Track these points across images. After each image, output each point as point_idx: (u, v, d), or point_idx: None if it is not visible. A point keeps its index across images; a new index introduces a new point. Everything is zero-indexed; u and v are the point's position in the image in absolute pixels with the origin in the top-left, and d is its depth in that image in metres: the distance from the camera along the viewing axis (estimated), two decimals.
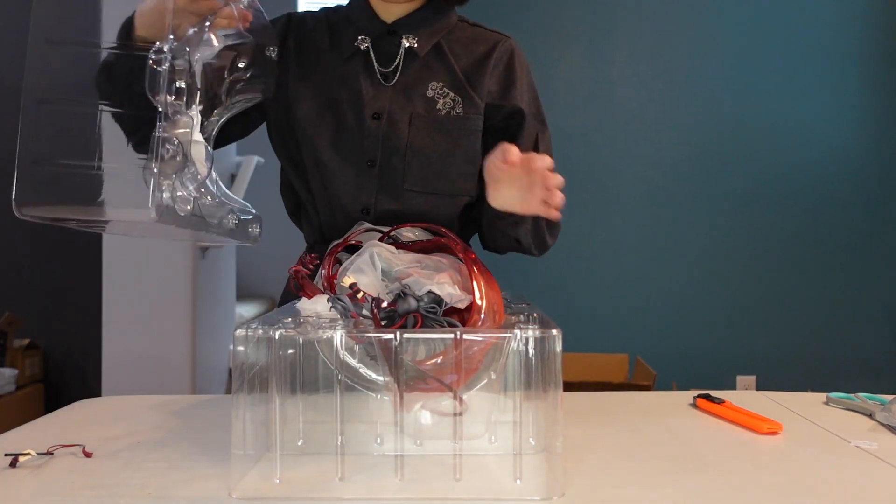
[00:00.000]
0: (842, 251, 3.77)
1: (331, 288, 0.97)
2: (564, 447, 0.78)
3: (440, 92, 1.24)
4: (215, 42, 0.84)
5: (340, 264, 1.01)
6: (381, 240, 1.06)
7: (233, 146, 3.33)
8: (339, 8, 1.33)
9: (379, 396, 0.86)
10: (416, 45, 1.24)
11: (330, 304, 0.87)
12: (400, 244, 1.06)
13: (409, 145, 1.22)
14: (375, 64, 1.25)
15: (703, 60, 3.76)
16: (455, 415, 0.81)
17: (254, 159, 3.37)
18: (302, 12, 1.33)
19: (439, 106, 1.23)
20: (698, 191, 3.76)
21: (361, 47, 1.25)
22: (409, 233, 1.09)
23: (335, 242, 1.07)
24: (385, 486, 0.79)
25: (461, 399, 0.82)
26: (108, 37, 2.86)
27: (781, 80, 3.75)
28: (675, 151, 3.76)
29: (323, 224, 1.26)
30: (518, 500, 0.77)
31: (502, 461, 0.82)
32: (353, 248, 1.05)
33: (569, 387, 1.31)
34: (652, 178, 3.74)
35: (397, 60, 1.25)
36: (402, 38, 1.25)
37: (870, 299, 3.78)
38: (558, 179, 0.91)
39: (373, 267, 0.95)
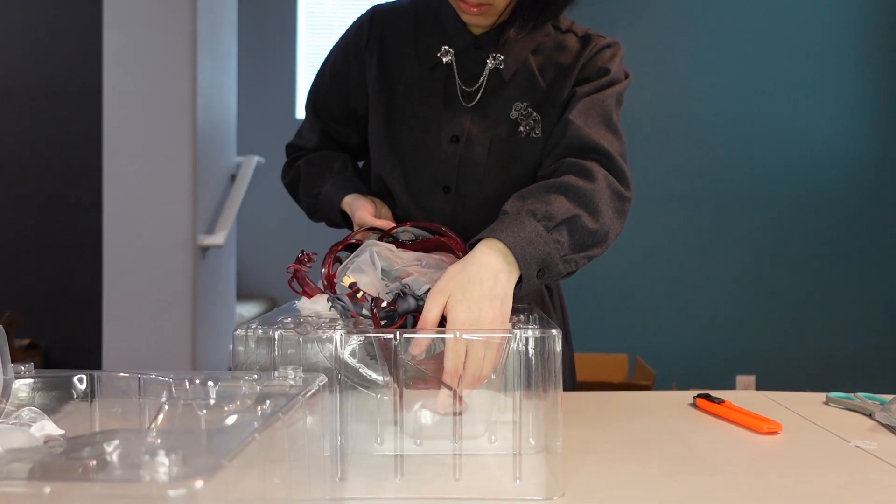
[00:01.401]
0: (842, 251, 3.77)
1: (331, 287, 0.97)
2: (564, 447, 0.78)
3: (524, 113, 1.15)
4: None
5: (340, 262, 1.01)
6: (381, 238, 1.06)
7: (233, 146, 3.34)
8: (429, 1, 1.23)
9: (379, 396, 0.86)
10: (501, 67, 1.15)
11: (330, 304, 0.87)
12: (400, 243, 1.06)
13: (488, 171, 1.15)
14: (458, 81, 1.17)
15: (703, 60, 3.76)
16: (455, 414, 0.81)
17: (254, 159, 3.37)
18: (387, 4, 1.24)
19: (521, 128, 1.14)
20: (698, 191, 3.76)
21: (444, 60, 1.16)
22: (408, 232, 1.09)
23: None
24: (385, 485, 0.79)
25: (461, 398, 0.82)
26: (109, 35, 2.85)
27: (781, 80, 3.75)
28: (674, 152, 3.76)
29: (399, 203, 1.22)
30: (518, 500, 0.77)
31: (502, 461, 0.82)
32: (354, 247, 1.05)
33: (569, 386, 1.31)
34: (651, 178, 3.74)
35: (481, 80, 1.16)
36: (487, 55, 1.16)
37: (870, 299, 3.78)
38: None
39: (373, 266, 0.95)
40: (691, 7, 3.77)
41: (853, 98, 3.77)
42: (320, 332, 0.80)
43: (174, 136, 2.81)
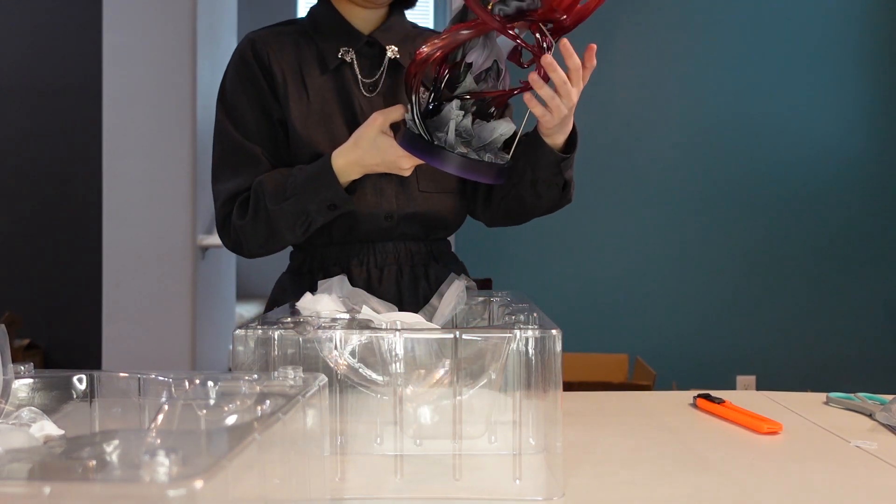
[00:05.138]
0: (842, 250, 3.77)
1: None
2: (564, 447, 0.78)
3: (422, 97, 1.21)
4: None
5: None
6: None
7: None
8: (298, 21, 1.30)
9: (379, 396, 0.86)
10: (398, 56, 1.26)
11: None
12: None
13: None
14: (359, 76, 1.25)
15: (703, 61, 3.76)
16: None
17: None
18: (261, 31, 1.28)
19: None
20: (698, 190, 3.75)
21: (347, 59, 1.24)
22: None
23: None
24: (385, 485, 0.79)
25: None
26: (109, 35, 2.84)
27: (781, 80, 3.75)
28: (674, 151, 3.76)
29: (336, 232, 1.23)
30: (518, 500, 0.77)
31: (502, 461, 0.82)
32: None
33: (569, 387, 1.31)
34: (652, 178, 3.74)
35: (381, 70, 1.26)
36: (383, 48, 1.26)
37: (870, 299, 3.78)
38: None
39: None
40: (691, 7, 3.77)
41: (853, 98, 3.77)
42: (320, 331, 0.80)
43: (174, 136, 2.81)
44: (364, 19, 1.27)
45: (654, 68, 3.76)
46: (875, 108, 3.78)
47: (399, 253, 1.26)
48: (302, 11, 4.31)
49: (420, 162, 1.08)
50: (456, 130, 1.02)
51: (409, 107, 1.05)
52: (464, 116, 1.02)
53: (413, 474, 0.80)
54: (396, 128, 1.12)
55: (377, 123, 1.10)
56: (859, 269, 3.77)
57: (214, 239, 2.89)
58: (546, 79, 1.01)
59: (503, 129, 1.05)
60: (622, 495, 0.78)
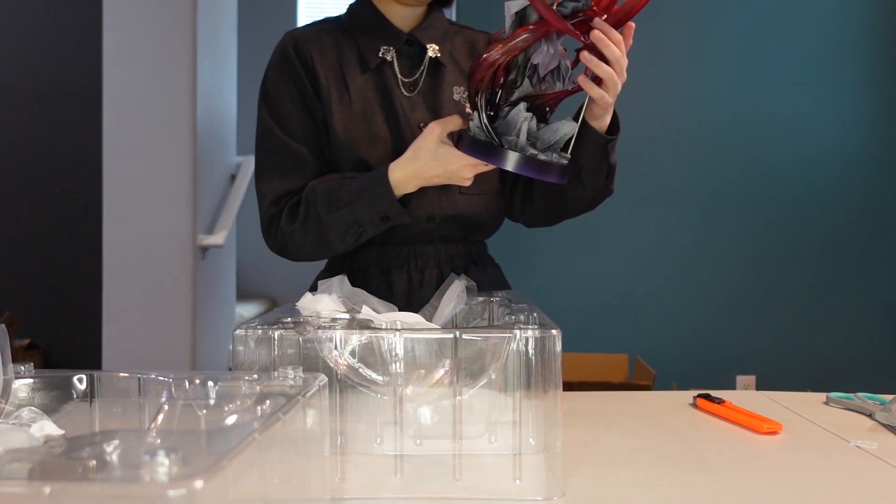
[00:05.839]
0: (842, 250, 3.77)
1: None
2: (564, 447, 0.78)
3: (464, 96, 1.23)
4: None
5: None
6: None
7: (233, 146, 3.33)
8: (338, 19, 1.29)
9: (379, 396, 0.85)
10: (439, 55, 1.24)
11: None
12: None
13: None
14: (399, 75, 1.23)
15: (704, 61, 3.76)
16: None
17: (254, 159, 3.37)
18: (301, 30, 1.28)
19: (468, 109, 1.19)
20: (698, 190, 3.76)
21: (387, 58, 1.23)
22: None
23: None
24: (385, 485, 0.79)
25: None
26: (109, 35, 2.85)
27: (780, 80, 3.75)
28: (674, 151, 3.76)
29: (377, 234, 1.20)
30: (518, 500, 0.77)
31: (502, 461, 0.82)
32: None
33: (569, 387, 1.31)
34: (652, 178, 3.73)
35: (422, 69, 1.24)
36: (423, 46, 1.24)
37: (870, 299, 3.78)
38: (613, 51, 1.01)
39: None
40: (691, 7, 3.77)
41: (853, 98, 3.77)
42: (320, 331, 0.80)
43: (174, 136, 2.81)
44: (404, 17, 1.25)
45: (654, 68, 3.75)
46: (875, 108, 3.78)
47: (440, 255, 1.25)
48: (302, 12, 4.30)
49: (483, 170, 1.07)
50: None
51: (473, 113, 1.02)
52: (531, 119, 1.01)
53: (413, 474, 0.80)
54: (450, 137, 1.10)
55: (436, 134, 1.08)
56: (859, 269, 3.77)
57: (214, 239, 2.89)
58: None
59: (567, 128, 1.03)
60: (622, 495, 0.78)
